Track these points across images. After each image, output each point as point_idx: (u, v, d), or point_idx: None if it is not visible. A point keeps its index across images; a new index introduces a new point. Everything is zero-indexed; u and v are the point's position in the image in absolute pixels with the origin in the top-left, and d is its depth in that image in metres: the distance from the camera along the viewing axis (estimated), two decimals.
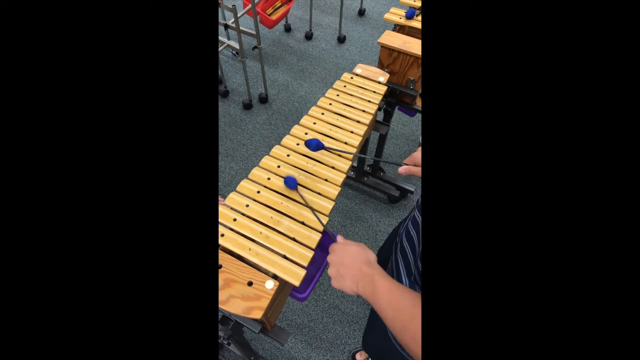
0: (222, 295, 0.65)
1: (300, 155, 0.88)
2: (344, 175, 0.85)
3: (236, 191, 0.81)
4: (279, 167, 0.85)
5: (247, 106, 2.07)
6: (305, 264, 0.70)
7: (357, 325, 1.39)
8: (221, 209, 0.77)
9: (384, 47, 1.16)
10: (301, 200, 0.78)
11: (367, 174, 1.71)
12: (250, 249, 0.71)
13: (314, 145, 0.82)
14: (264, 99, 2.10)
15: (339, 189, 0.82)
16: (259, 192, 0.80)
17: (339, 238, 0.65)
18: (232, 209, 0.78)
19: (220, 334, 0.86)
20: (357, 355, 1.30)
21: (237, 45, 1.74)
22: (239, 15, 1.63)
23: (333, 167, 0.86)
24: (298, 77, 2.27)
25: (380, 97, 1.04)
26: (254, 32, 1.73)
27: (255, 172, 0.84)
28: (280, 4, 2.18)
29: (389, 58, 1.18)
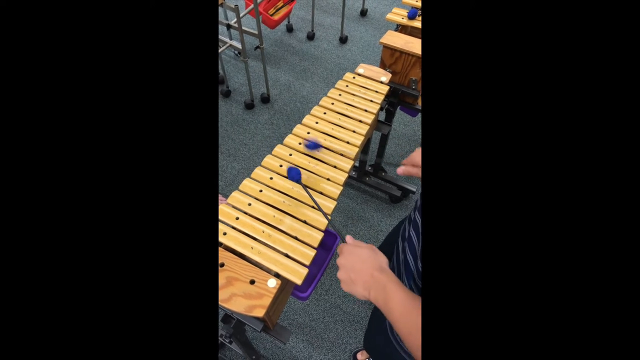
0: (225, 293, 0.66)
1: (303, 155, 0.88)
2: (346, 175, 0.85)
3: (239, 190, 0.81)
4: (281, 166, 0.86)
5: (249, 106, 2.07)
6: (308, 263, 0.70)
7: (358, 325, 1.39)
8: (224, 207, 0.78)
9: (386, 47, 1.16)
10: (305, 198, 0.79)
11: (368, 173, 1.71)
12: (252, 248, 0.72)
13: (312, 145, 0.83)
14: (266, 99, 2.11)
15: (341, 188, 0.83)
16: (261, 191, 0.81)
17: (349, 239, 0.62)
18: (234, 207, 0.78)
19: (222, 332, 0.86)
20: (359, 355, 1.30)
21: (239, 45, 1.75)
22: (241, 15, 1.64)
23: (335, 167, 0.87)
24: (300, 77, 2.27)
25: (382, 97, 1.04)
26: (256, 32, 1.74)
27: (258, 172, 0.85)
28: (282, 4, 2.19)
29: (391, 58, 1.19)
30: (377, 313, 0.53)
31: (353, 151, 0.89)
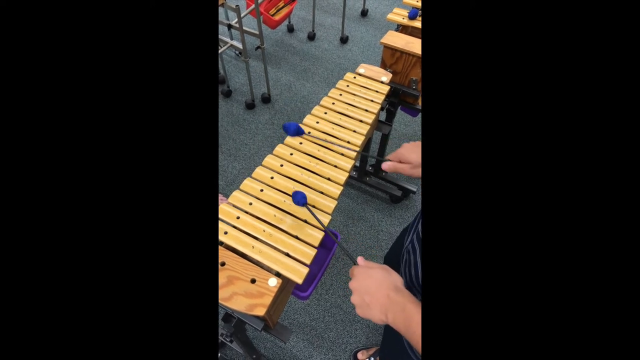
0: (225, 292, 0.66)
1: (304, 155, 0.89)
2: (347, 174, 0.85)
3: (239, 190, 0.81)
4: (282, 166, 0.86)
5: (250, 106, 2.08)
6: (308, 262, 0.70)
7: (358, 325, 1.39)
8: (225, 207, 0.78)
9: (387, 47, 1.17)
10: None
11: (369, 173, 1.71)
12: (253, 247, 0.72)
13: (293, 129, 0.84)
14: (266, 99, 2.11)
15: (342, 188, 0.83)
16: (262, 190, 0.81)
17: (360, 260, 0.59)
18: (235, 207, 0.79)
19: (223, 331, 0.86)
20: (359, 355, 1.30)
21: (240, 45, 1.75)
22: (242, 15, 1.64)
23: (336, 166, 0.87)
24: (301, 77, 2.28)
25: (383, 97, 1.04)
26: (257, 32, 1.74)
27: (259, 171, 0.85)
28: (283, 4, 2.19)
29: (391, 58, 1.19)
30: (392, 332, 0.49)
31: (354, 151, 0.89)
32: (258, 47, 1.84)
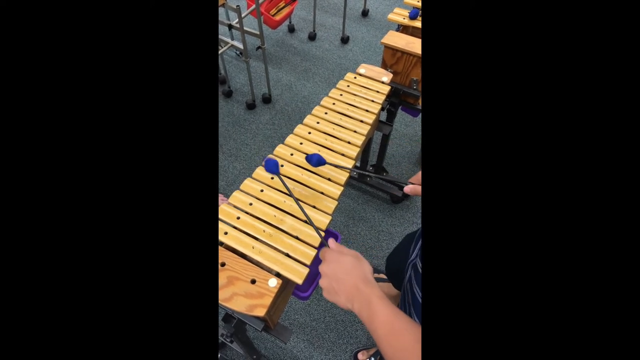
0: (226, 292, 0.66)
1: (304, 155, 0.89)
2: (347, 175, 0.85)
3: (240, 190, 0.81)
4: (282, 166, 0.86)
5: (251, 106, 2.08)
6: (308, 262, 0.70)
7: (359, 325, 1.39)
8: (225, 207, 0.78)
9: (388, 48, 1.16)
10: (306, 198, 0.79)
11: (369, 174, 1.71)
12: (253, 247, 0.72)
13: (315, 160, 0.79)
14: (267, 99, 2.11)
15: (342, 188, 0.83)
16: (262, 190, 0.81)
17: (332, 243, 0.59)
18: (235, 207, 0.79)
19: (224, 332, 0.86)
20: (359, 355, 1.30)
21: (240, 46, 1.75)
22: (242, 15, 1.64)
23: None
24: (301, 77, 2.28)
25: (383, 97, 1.04)
26: (257, 33, 1.74)
27: (259, 172, 0.85)
28: (284, 4, 2.19)
29: (392, 58, 1.19)
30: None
31: (354, 151, 0.89)
32: (259, 47, 1.84)
